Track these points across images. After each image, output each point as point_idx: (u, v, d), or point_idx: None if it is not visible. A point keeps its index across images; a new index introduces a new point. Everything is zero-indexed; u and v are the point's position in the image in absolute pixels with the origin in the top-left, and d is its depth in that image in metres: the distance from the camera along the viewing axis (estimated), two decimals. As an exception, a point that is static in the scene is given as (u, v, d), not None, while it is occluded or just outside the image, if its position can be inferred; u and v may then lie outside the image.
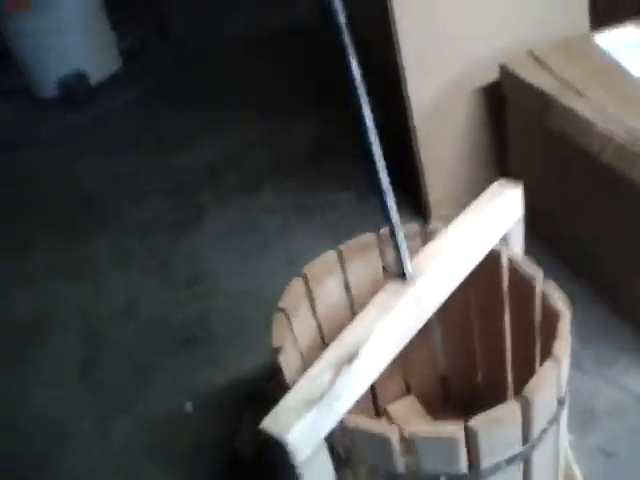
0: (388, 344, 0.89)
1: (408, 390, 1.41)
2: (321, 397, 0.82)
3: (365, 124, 0.83)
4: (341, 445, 0.91)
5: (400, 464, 0.89)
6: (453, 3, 1.78)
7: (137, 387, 1.79)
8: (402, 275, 0.93)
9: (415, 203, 2.03)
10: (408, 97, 1.84)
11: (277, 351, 0.99)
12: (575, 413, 1.42)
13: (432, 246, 0.98)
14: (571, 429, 1.39)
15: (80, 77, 3.28)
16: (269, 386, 1.46)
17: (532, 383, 0.86)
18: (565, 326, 0.92)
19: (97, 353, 1.94)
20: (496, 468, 0.89)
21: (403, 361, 1.34)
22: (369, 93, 0.83)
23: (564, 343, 0.91)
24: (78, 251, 2.35)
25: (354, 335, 0.88)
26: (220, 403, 1.68)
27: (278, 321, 1.05)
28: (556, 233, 1.69)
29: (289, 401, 0.83)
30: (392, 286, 0.93)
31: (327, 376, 0.84)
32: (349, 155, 2.46)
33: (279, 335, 1.02)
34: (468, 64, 1.83)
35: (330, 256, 1.15)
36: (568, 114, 1.52)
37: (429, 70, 1.82)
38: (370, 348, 0.86)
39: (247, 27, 3.57)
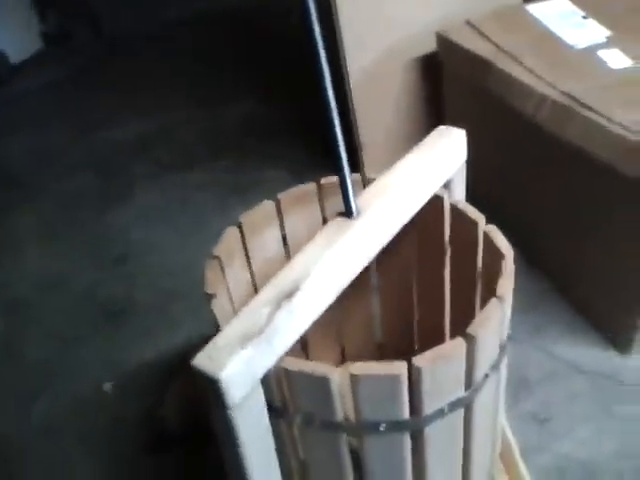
0: (331, 280, 0.84)
1: (343, 358, 1.37)
2: (259, 333, 0.76)
3: (321, 69, 0.81)
4: (276, 392, 0.86)
5: (338, 410, 0.84)
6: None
7: (60, 363, 1.69)
8: (347, 213, 0.89)
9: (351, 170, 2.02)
10: (346, 66, 1.82)
11: (210, 297, 0.93)
12: (508, 382, 1.41)
13: (376, 185, 0.95)
14: (505, 397, 1.40)
15: (-1, 55, 3.12)
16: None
17: (477, 320, 0.83)
18: (509, 265, 0.90)
19: (18, 328, 1.82)
20: (438, 414, 0.85)
21: (338, 326, 1.30)
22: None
23: (508, 282, 0.88)
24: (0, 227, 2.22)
25: (295, 269, 0.83)
26: (145, 379, 1.60)
27: (211, 268, 0.98)
28: (493, 198, 1.71)
29: (223, 337, 0.76)
30: (336, 222, 0.89)
31: (265, 310, 0.78)
32: (281, 136, 2.44)
33: (212, 282, 0.96)
34: (404, 34, 1.83)
35: (267, 206, 1.10)
36: (504, 78, 1.53)
37: (366, 39, 1.80)
38: (312, 283, 0.81)
39: (180, 13, 3.51)
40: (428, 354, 0.80)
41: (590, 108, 1.37)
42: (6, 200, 2.35)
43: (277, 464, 0.87)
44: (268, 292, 0.81)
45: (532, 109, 1.48)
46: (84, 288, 1.92)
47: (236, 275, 1.04)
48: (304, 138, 2.38)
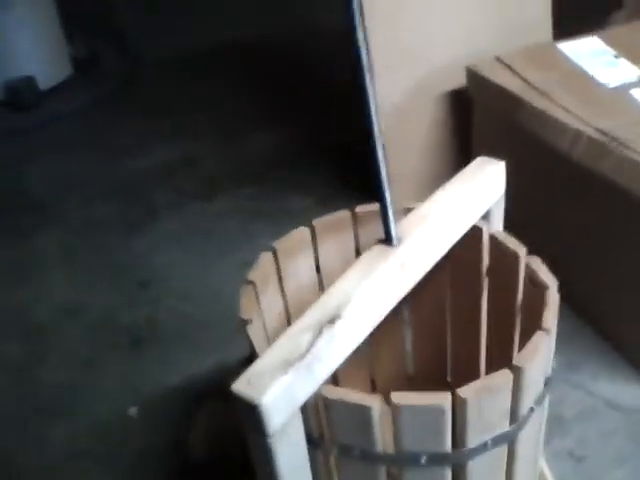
0: (371, 307, 0.83)
1: (374, 390, 1.34)
2: (300, 358, 0.74)
3: (368, 100, 0.83)
4: (314, 422, 0.83)
5: (378, 441, 0.81)
6: (421, 10, 1.79)
7: (81, 388, 1.66)
8: (387, 240, 0.88)
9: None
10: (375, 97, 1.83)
11: (245, 323, 0.91)
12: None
13: (415, 213, 0.93)
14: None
15: (28, 81, 3.17)
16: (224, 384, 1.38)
17: (524, 352, 0.81)
18: (554, 297, 0.88)
19: (38, 353, 1.80)
20: (482, 449, 0.82)
21: (369, 358, 1.27)
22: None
23: (553, 314, 0.86)
24: (22, 252, 2.21)
25: (336, 296, 0.81)
26: (169, 405, 1.57)
27: (247, 293, 0.97)
28: (525, 234, 1.70)
29: (264, 362, 0.74)
30: (377, 249, 0.87)
31: (307, 337, 0.76)
32: (305, 165, 2.44)
33: (247, 307, 0.94)
34: (434, 69, 1.83)
35: (302, 232, 1.08)
36: (537, 114, 1.52)
37: (395, 75, 1.81)
38: (353, 309, 0.79)
39: (213, 40, 3.57)
40: (473, 385, 0.78)
41: (624, 144, 1.36)
42: (29, 224, 2.35)
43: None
44: (309, 318, 0.79)
45: (567, 145, 1.47)
46: (106, 313, 1.91)
47: (270, 302, 1.03)
48: (328, 167, 2.38)
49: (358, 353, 1.20)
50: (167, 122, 2.90)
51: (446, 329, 1.18)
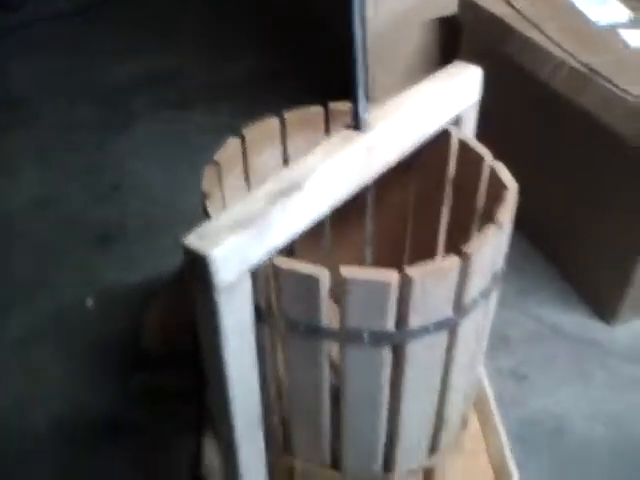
0: (331, 187, 0.83)
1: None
2: (253, 222, 0.75)
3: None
4: (263, 293, 0.85)
5: (324, 315, 0.83)
6: None
7: (44, 278, 1.68)
8: (355, 125, 0.88)
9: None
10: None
11: (205, 196, 0.92)
12: (490, 339, 1.44)
13: (387, 105, 0.93)
14: (485, 353, 1.41)
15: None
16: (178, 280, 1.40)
17: (473, 241, 0.83)
18: (512, 197, 0.90)
19: (4, 241, 1.81)
20: (423, 331, 0.85)
21: (329, 249, 1.28)
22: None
23: (508, 212, 0.88)
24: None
25: (297, 170, 0.82)
26: (127, 300, 1.60)
27: (210, 171, 0.97)
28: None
29: (217, 222, 0.75)
30: (344, 133, 0.88)
31: (262, 203, 0.77)
32: (288, 87, 2.41)
33: (209, 184, 0.95)
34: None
35: (272, 123, 1.08)
36: (524, 42, 1.53)
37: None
38: (311, 185, 0.80)
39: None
40: (421, 266, 0.79)
41: (607, 79, 1.37)
42: (6, 120, 2.32)
43: (255, 363, 0.86)
44: (267, 187, 0.80)
45: (548, 74, 1.48)
46: (75, 211, 1.91)
47: (233, 185, 1.03)
48: (312, 88, 2.35)
49: (317, 241, 1.22)
50: (154, 34, 2.85)
51: (407, 228, 1.20)
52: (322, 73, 2.47)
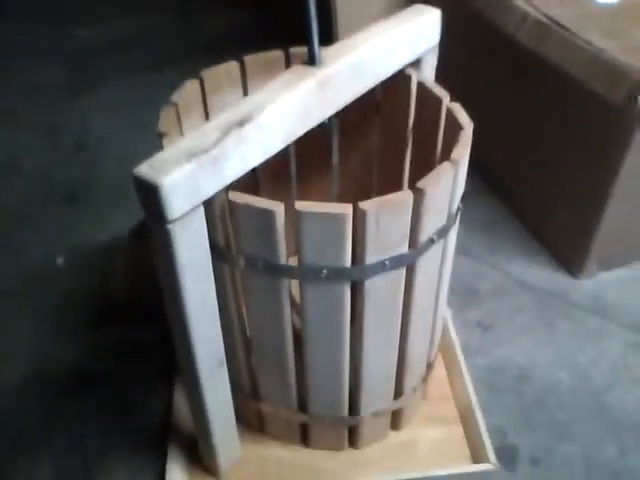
0: (285, 118, 0.83)
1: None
2: (205, 152, 0.74)
3: None
4: (220, 230, 0.85)
5: (282, 252, 0.83)
6: None
7: (10, 238, 1.66)
8: (310, 60, 0.87)
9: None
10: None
11: (162, 136, 0.91)
12: (457, 291, 1.46)
13: (344, 42, 0.93)
14: (452, 305, 1.42)
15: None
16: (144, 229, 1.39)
17: (427, 178, 0.83)
18: (467, 135, 0.90)
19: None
20: (380, 267, 0.85)
21: (297, 197, 1.28)
22: None
23: (463, 149, 0.88)
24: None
25: (250, 102, 0.81)
26: (96, 258, 1.58)
27: (168, 112, 0.96)
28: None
29: (169, 152, 0.75)
30: (298, 69, 0.87)
31: (215, 134, 0.77)
32: (259, 44, 2.38)
33: (166, 125, 0.94)
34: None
35: (231, 66, 1.07)
36: (490, -6, 1.52)
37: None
38: (266, 117, 0.80)
39: None
40: (375, 199, 0.80)
41: (570, 31, 1.37)
42: (-30, 81, 2.28)
43: (215, 302, 0.86)
44: (219, 119, 0.80)
45: (513, 26, 1.47)
46: (41, 171, 1.88)
47: (192, 126, 1.02)
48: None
49: (284, 188, 1.21)
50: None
51: (372, 172, 1.21)
52: (294, 29, 2.45)
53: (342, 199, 1.28)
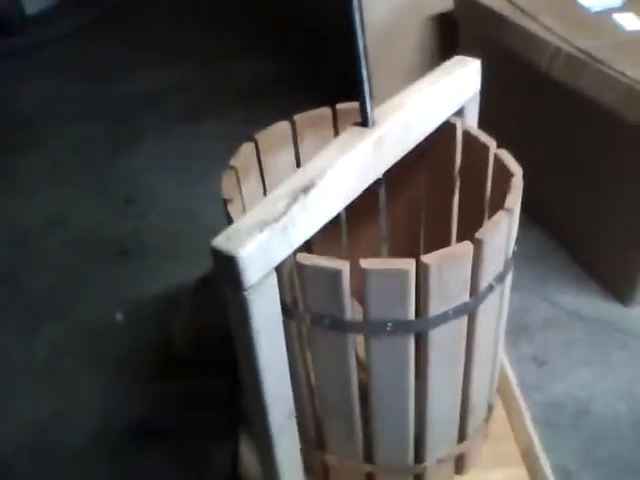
0: (345, 180, 0.87)
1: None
2: (276, 220, 0.78)
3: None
4: (288, 289, 0.88)
5: (347, 308, 0.86)
6: None
7: (67, 295, 1.72)
8: (363, 122, 0.91)
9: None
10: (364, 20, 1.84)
11: (227, 202, 0.95)
12: (510, 326, 1.46)
13: (392, 102, 0.97)
14: (505, 340, 1.43)
15: (15, 5, 3.13)
16: (204, 285, 1.43)
17: (485, 228, 0.86)
18: (518, 182, 0.93)
19: (25, 260, 1.85)
20: (443, 317, 0.88)
21: (347, 246, 1.31)
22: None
23: (516, 197, 0.91)
24: (9, 166, 2.25)
25: (312, 168, 0.86)
26: (153, 311, 1.63)
27: (228, 177, 1.01)
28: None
29: (242, 223, 0.79)
30: (353, 130, 0.91)
31: (283, 202, 0.81)
32: (293, 93, 2.45)
33: (229, 189, 0.98)
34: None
35: (283, 126, 1.12)
36: (521, 33, 1.56)
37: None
38: (327, 181, 0.84)
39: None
40: (437, 253, 0.83)
41: (602, 62, 1.40)
42: (16, 141, 2.38)
43: (286, 359, 0.90)
44: (285, 187, 0.84)
45: (546, 62, 1.51)
46: (92, 227, 1.95)
47: (251, 188, 1.07)
48: (320, 91, 2.39)
49: (335, 239, 1.25)
50: (154, 51, 2.90)
51: (420, 220, 1.23)
52: (320, 72, 2.52)
53: (392, 246, 1.31)
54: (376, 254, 1.31)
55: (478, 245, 0.84)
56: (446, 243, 1.20)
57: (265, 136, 1.10)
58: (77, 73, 2.80)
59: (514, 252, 0.97)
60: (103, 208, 2.02)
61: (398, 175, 1.19)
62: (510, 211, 0.89)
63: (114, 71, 2.77)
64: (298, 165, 1.15)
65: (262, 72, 2.64)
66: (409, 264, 0.81)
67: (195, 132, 2.33)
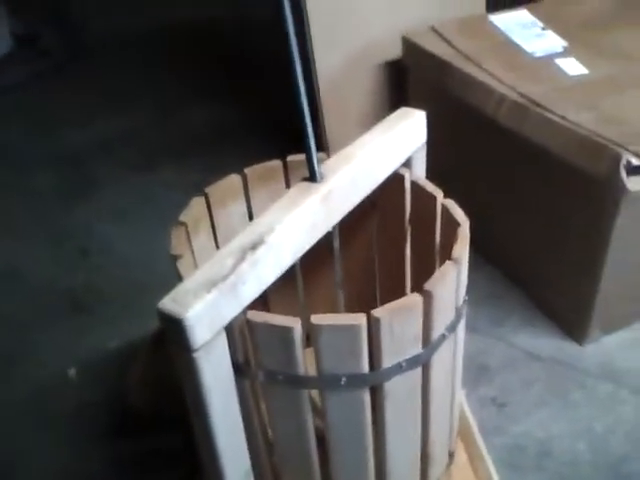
0: (295, 238, 0.87)
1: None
2: (224, 279, 0.78)
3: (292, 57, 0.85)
4: (240, 347, 0.87)
5: (300, 364, 0.86)
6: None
7: (19, 351, 1.67)
8: (311, 177, 0.92)
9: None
10: (315, 70, 1.88)
11: (175, 258, 0.94)
12: (469, 368, 1.47)
13: (339, 154, 0.98)
14: (465, 383, 1.43)
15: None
16: (162, 337, 1.41)
17: (433, 278, 0.86)
18: (464, 232, 0.94)
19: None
20: (397, 369, 0.88)
21: (302, 298, 1.31)
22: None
23: (463, 247, 0.92)
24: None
25: (260, 225, 0.86)
26: (108, 365, 1.59)
27: (177, 233, 1.00)
28: (453, 196, 1.78)
29: (189, 282, 0.78)
30: (301, 186, 0.92)
31: (231, 260, 0.80)
32: (247, 138, 2.47)
33: (178, 245, 0.97)
34: (372, 39, 1.89)
35: (233, 179, 1.12)
36: (466, 80, 1.60)
37: (335, 42, 1.87)
38: (276, 237, 0.84)
39: (161, 23, 3.56)
40: (386, 306, 0.83)
41: (545, 107, 1.44)
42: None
43: (239, 415, 0.88)
44: (233, 244, 0.83)
45: (492, 109, 1.55)
46: (45, 279, 1.91)
47: (201, 244, 1.06)
48: (275, 138, 2.41)
49: (290, 292, 1.25)
50: (108, 98, 2.90)
51: (374, 269, 1.24)
52: (272, 114, 2.54)
53: (348, 293, 1.31)
54: (333, 302, 1.31)
55: (427, 297, 0.85)
56: (401, 288, 1.21)
57: (216, 190, 1.10)
58: (28, 122, 2.78)
59: (465, 301, 0.98)
60: (57, 259, 1.98)
61: (352, 224, 1.20)
62: (457, 261, 0.90)
63: (67, 120, 2.75)
64: (250, 218, 1.15)
65: (216, 118, 2.66)
66: (360, 319, 0.81)
67: (151, 180, 2.31)
